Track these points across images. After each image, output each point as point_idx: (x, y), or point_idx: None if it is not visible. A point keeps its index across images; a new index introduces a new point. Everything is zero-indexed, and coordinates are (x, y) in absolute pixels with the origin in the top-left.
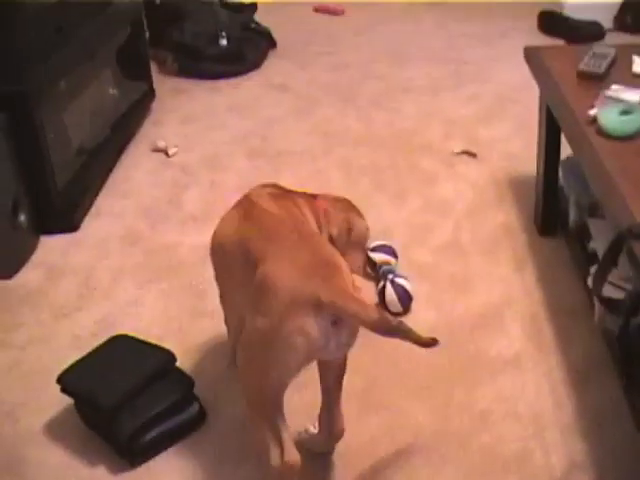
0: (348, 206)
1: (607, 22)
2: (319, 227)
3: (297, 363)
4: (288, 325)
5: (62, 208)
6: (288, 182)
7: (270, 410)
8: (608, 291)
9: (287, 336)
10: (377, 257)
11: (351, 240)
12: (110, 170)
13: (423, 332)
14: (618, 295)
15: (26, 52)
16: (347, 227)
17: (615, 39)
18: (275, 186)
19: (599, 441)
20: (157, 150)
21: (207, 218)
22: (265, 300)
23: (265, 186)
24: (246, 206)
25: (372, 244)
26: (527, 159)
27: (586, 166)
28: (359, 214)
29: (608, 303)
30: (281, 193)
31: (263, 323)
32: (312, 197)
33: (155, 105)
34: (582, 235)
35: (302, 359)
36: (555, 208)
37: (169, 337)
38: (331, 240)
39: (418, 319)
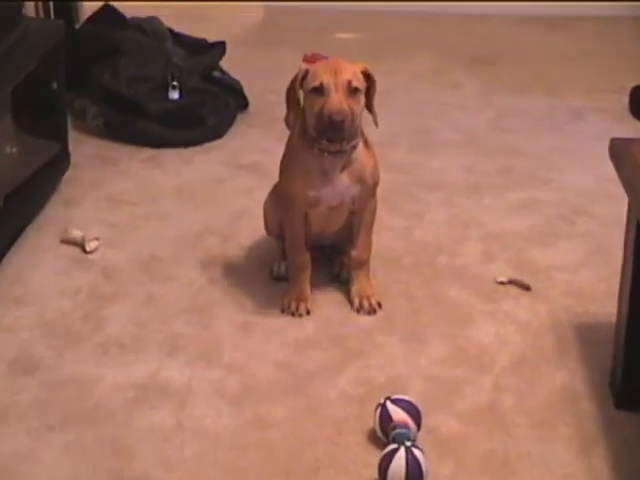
0: None
1: None
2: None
3: None
4: None
5: None
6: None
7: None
8: None
9: None
10: (394, 412)
11: None
12: None
13: None
14: None
15: None
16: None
17: None
18: None
19: None
20: (69, 242)
21: (139, 347)
22: None
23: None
24: None
25: (394, 395)
26: (602, 296)
27: None
28: None
29: None
30: None
31: None
32: None
33: (69, 176)
34: None
35: None
36: None
37: None
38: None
39: None
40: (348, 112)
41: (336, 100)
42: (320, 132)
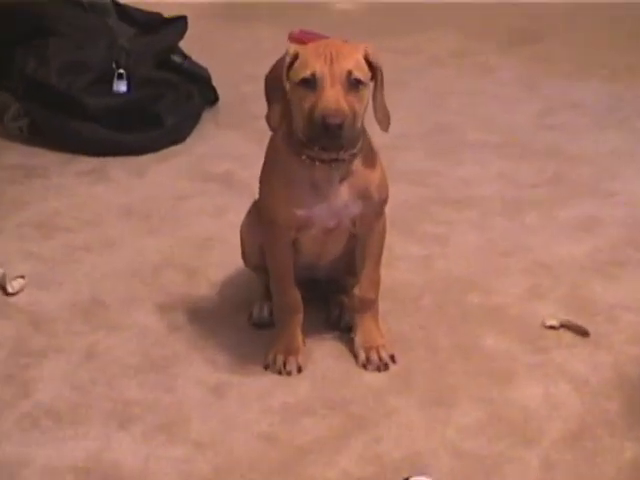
0: None
1: None
2: None
3: None
4: None
5: None
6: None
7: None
8: None
9: None
10: None
11: None
12: None
13: None
14: None
15: None
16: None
17: None
18: None
19: None
20: None
21: (79, 418)
22: None
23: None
24: None
25: (414, 477)
26: None
27: None
28: None
29: None
30: None
31: None
32: None
33: None
34: None
35: None
36: None
37: None
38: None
39: None
40: (348, 112)
41: (332, 97)
42: (311, 138)
